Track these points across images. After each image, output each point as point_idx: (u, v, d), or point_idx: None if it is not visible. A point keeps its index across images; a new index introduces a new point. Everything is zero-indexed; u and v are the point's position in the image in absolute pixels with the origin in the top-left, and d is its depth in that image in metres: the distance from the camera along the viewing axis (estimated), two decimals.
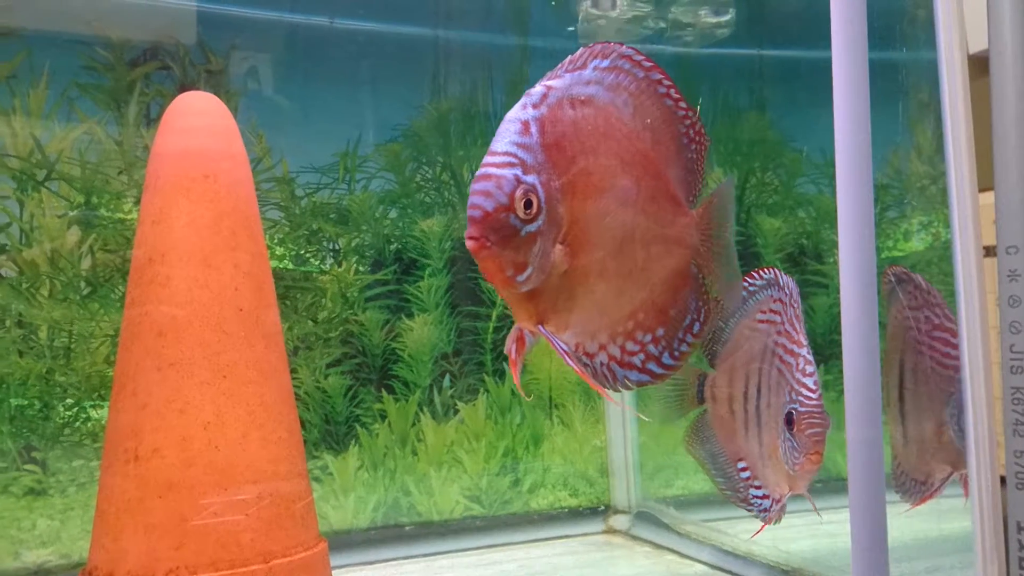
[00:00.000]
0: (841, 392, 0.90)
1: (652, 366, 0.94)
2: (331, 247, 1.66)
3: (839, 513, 0.95)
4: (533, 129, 0.83)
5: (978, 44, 1.02)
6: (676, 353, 0.95)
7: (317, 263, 1.64)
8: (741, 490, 1.15)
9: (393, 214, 1.70)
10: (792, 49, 1.93)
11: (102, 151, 1.49)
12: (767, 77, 1.95)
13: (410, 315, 1.69)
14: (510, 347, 0.89)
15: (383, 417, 1.65)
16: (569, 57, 0.90)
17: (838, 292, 0.90)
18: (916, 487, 1.22)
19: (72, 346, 1.44)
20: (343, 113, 1.69)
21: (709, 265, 0.99)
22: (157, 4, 1.56)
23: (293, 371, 1.52)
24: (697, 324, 0.97)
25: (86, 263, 1.46)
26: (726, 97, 1.93)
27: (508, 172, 0.81)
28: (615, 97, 0.90)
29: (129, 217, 1.49)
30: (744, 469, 1.14)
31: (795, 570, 1.34)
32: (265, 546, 1.01)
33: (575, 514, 1.76)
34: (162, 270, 1.03)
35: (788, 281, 1.11)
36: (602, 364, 0.92)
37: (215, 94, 1.13)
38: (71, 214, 1.46)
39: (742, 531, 1.52)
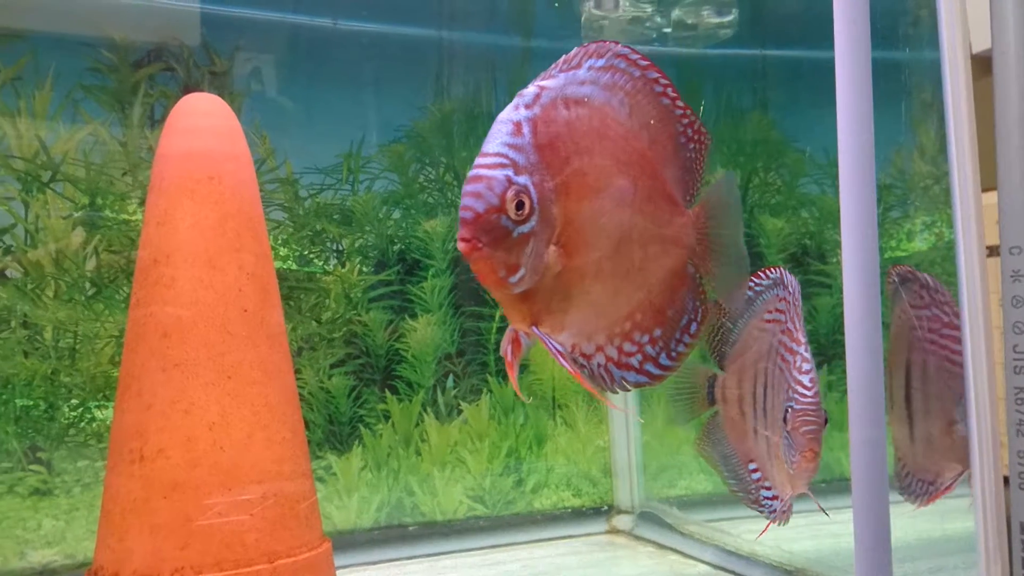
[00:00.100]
0: (845, 392, 0.89)
1: (650, 367, 0.93)
2: (335, 248, 1.66)
3: (842, 513, 0.95)
4: (525, 130, 0.83)
5: (982, 44, 1.02)
6: (673, 354, 0.95)
7: (321, 264, 1.64)
8: (752, 491, 1.14)
9: (396, 215, 1.70)
10: (795, 49, 1.93)
11: (106, 152, 1.49)
12: (770, 77, 1.95)
13: (413, 315, 1.69)
14: (505, 349, 0.89)
15: (387, 417, 1.66)
16: (563, 57, 0.89)
17: (841, 292, 0.90)
18: (922, 487, 1.21)
19: (77, 347, 1.45)
20: (346, 114, 1.70)
21: (706, 265, 0.98)
22: (161, 6, 1.57)
23: (297, 371, 1.52)
24: (694, 324, 0.97)
25: (91, 264, 1.47)
26: (729, 97, 1.93)
27: (499, 173, 0.80)
28: (611, 97, 0.90)
29: (133, 218, 1.49)
30: (755, 470, 1.14)
31: (798, 570, 1.34)
32: (270, 546, 1.01)
33: (578, 514, 1.76)
34: (167, 271, 1.04)
35: (791, 280, 1.11)
36: (599, 365, 0.91)
37: (219, 95, 1.14)
38: (76, 215, 1.47)
39: (745, 531, 1.52)
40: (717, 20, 1.77)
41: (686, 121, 0.95)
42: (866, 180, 0.89)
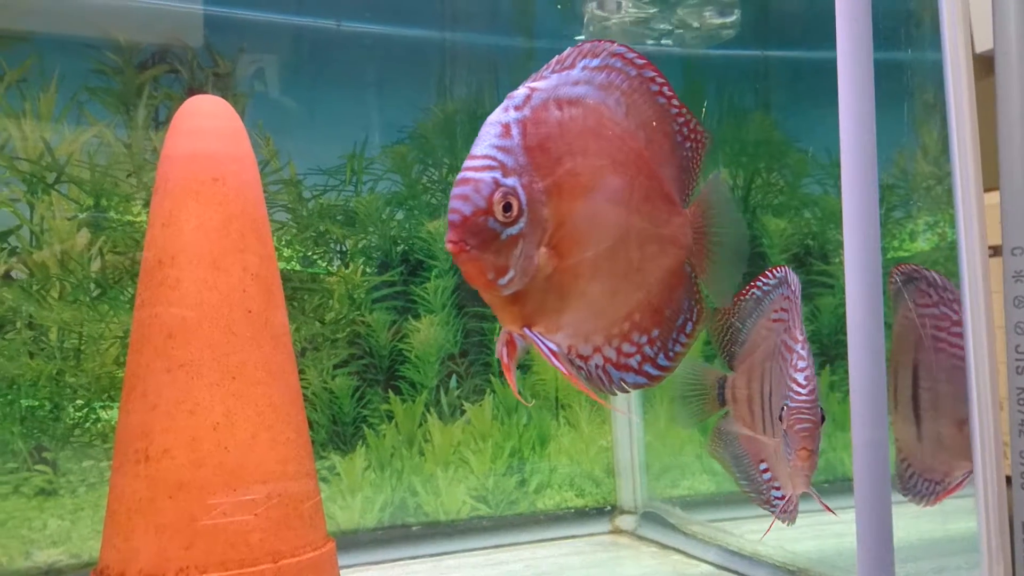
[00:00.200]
0: (848, 393, 0.89)
1: (649, 368, 0.93)
2: (338, 249, 1.66)
3: (845, 513, 0.95)
4: (514, 131, 0.82)
5: (985, 43, 1.02)
6: (671, 354, 0.94)
7: (324, 265, 1.65)
8: (764, 492, 1.14)
9: (400, 216, 1.70)
10: (797, 50, 1.93)
11: (111, 154, 1.50)
12: (772, 78, 1.96)
13: (417, 316, 1.69)
14: (501, 351, 0.88)
15: (390, 418, 1.66)
16: (556, 57, 0.88)
17: (844, 292, 0.90)
18: (929, 487, 1.21)
19: (82, 347, 1.45)
20: (350, 115, 1.70)
21: (702, 264, 0.98)
22: (165, 8, 1.57)
23: (301, 372, 1.52)
24: (690, 324, 0.96)
25: (95, 265, 1.48)
26: (731, 98, 1.93)
27: (486, 175, 0.80)
28: (606, 96, 0.89)
29: (138, 219, 1.50)
30: (766, 471, 1.14)
31: (801, 570, 1.34)
32: (274, 546, 1.02)
33: (581, 514, 1.76)
34: (172, 272, 1.04)
35: (794, 278, 1.11)
36: (597, 367, 0.90)
37: (223, 97, 1.14)
38: (81, 217, 1.47)
39: (748, 531, 1.52)
40: (719, 21, 1.77)
41: (682, 120, 0.95)
42: (868, 180, 0.89)
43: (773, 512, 1.12)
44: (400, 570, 1.52)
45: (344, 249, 1.67)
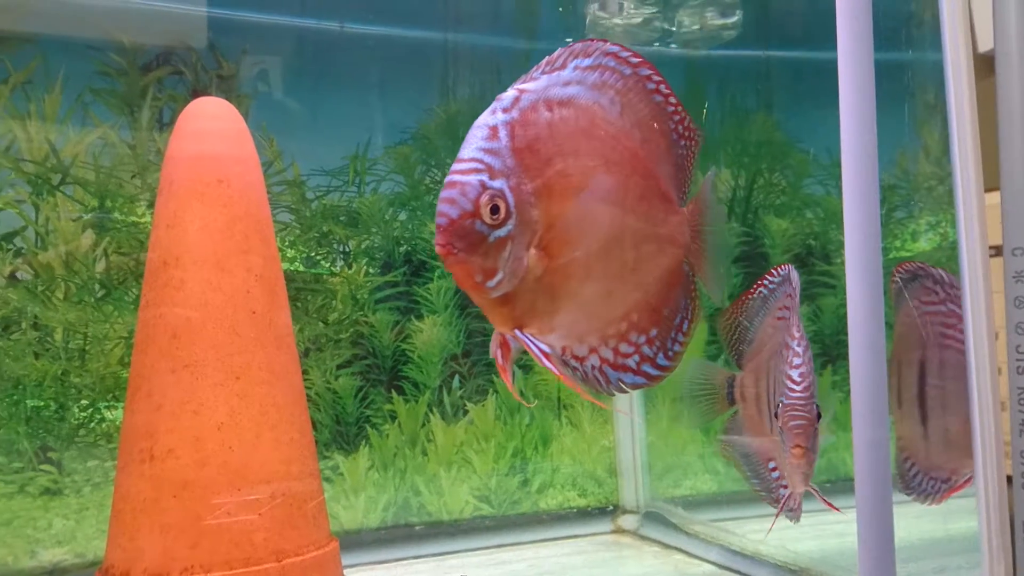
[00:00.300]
0: (849, 393, 0.90)
1: (648, 368, 0.93)
2: (341, 249, 1.67)
3: (846, 513, 0.95)
4: (502, 134, 0.82)
5: (988, 43, 1.02)
6: (670, 354, 0.94)
7: (328, 265, 1.65)
8: (773, 490, 1.13)
9: (403, 216, 1.71)
10: (799, 50, 1.93)
11: (116, 155, 1.51)
12: (774, 78, 1.96)
13: (420, 316, 1.70)
14: (495, 352, 0.88)
15: (393, 418, 1.67)
16: (546, 58, 0.88)
17: (845, 292, 0.90)
18: (934, 486, 1.20)
19: (87, 348, 1.46)
20: (353, 116, 1.71)
21: (700, 262, 0.98)
22: (168, 10, 1.58)
23: (304, 372, 1.53)
24: (687, 323, 0.96)
25: (100, 266, 1.48)
26: (733, 99, 1.93)
27: (473, 178, 0.80)
28: (599, 96, 0.89)
29: (142, 220, 1.51)
30: (774, 469, 1.14)
31: (802, 570, 1.34)
32: (278, 545, 1.02)
33: (584, 514, 1.77)
34: (176, 273, 1.05)
35: (795, 276, 1.12)
36: (593, 367, 0.90)
37: (226, 98, 1.15)
38: (85, 217, 1.48)
39: (750, 531, 1.52)
40: (721, 22, 1.77)
41: (677, 118, 0.94)
42: (869, 180, 0.89)
43: (784, 512, 1.12)
44: (403, 569, 1.52)
45: (347, 250, 1.67)
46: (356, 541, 1.57)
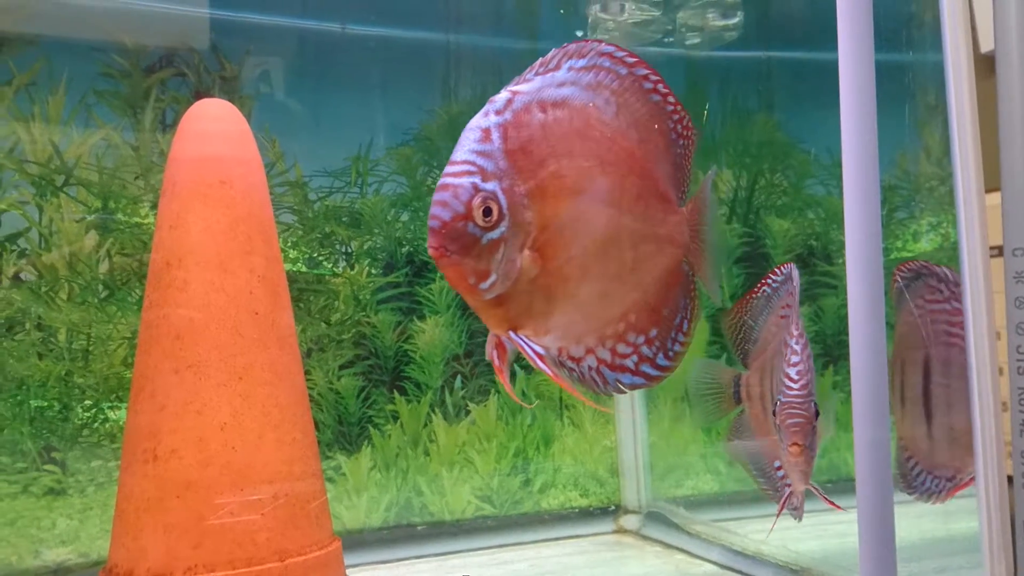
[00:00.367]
0: (850, 393, 0.90)
1: (647, 368, 0.92)
2: (343, 250, 1.67)
3: (848, 513, 0.96)
4: (494, 136, 0.82)
5: (991, 43, 1.02)
6: (670, 354, 0.94)
7: (330, 266, 1.66)
8: (779, 489, 1.13)
9: (405, 217, 1.71)
10: (800, 51, 1.93)
11: (119, 156, 1.51)
12: (775, 79, 1.96)
13: (422, 317, 1.70)
14: (491, 354, 0.88)
15: (395, 418, 1.67)
16: (540, 59, 0.88)
17: (847, 293, 0.90)
18: (939, 484, 1.20)
19: (90, 348, 1.47)
20: (355, 117, 1.71)
21: (700, 262, 0.97)
22: (171, 11, 1.58)
23: (307, 373, 1.53)
24: (687, 323, 0.96)
25: (103, 267, 1.49)
26: (735, 99, 1.94)
27: (465, 181, 0.80)
28: (594, 97, 0.88)
29: (145, 221, 1.51)
30: (779, 468, 1.13)
31: (804, 570, 1.34)
32: (280, 545, 1.03)
33: (586, 514, 1.77)
34: (179, 274, 1.05)
35: (795, 274, 1.12)
36: (590, 368, 0.90)
37: (229, 100, 1.15)
38: (89, 218, 1.49)
39: (752, 531, 1.53)
40: (722, 23, 1.78)
41: (676, 117, 0.94)
42: (870, 181, 0.89)
43: (788, 510, 1.12)
44: (405, 569, 1.53)
45: (349, 250, 1.68)
46: (358, 541, 1.58)
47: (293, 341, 1.12)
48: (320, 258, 1.66)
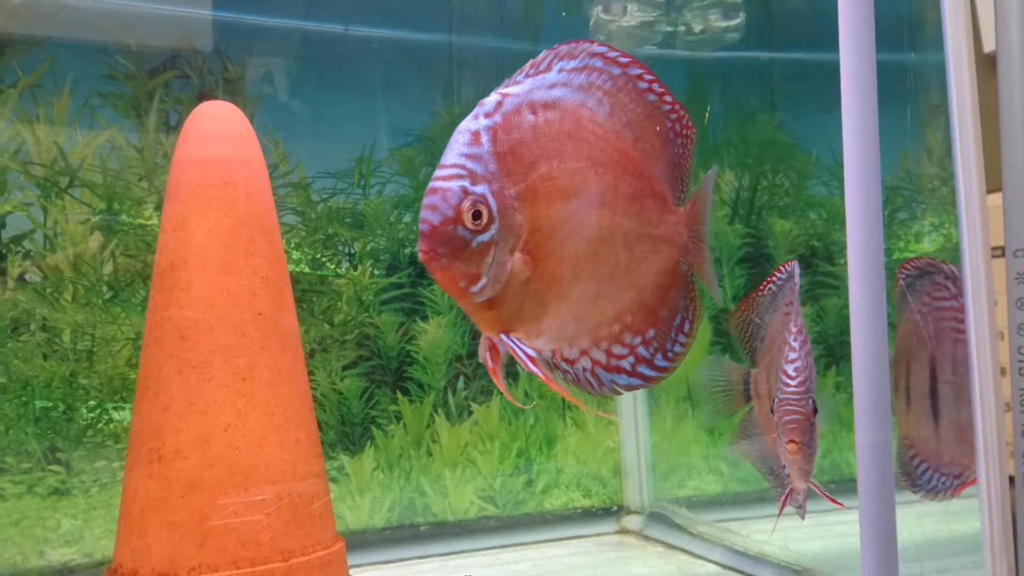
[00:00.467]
0: (852, 394, 0.90)
1: (644, 369, 0.92)
2: (347, 251, 1.68)
3: (849, 514, 0.96)
4: (484, 138, 0.82)
5: (994, 43, 1.02)
6: (670, 354, 0.93)
7: (333, 267, 1.66)
8: (786, 487, 1.13)
9: (407, 218, 1.72)
10: (802, 52, 1.93)
11: (123, 158, 1.52)
12: (777, 80, 1.96)
13: (424, 318, 1.71)
14: (484, 356, 0.87)
15: (398, 419, 1.67)
16: (531, 61, 0.87)
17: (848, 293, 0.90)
18: (947, 481, 1.20)
19: (95, 349, 1.47)
20: (358, 119, 1.71)
21: (699, 262, 0.96)
22: (175, 13, 1.59)
23: (310, 373, 1.54)
24: (688, 323, 0.95)
25: (108, 268, 1.49)
26: (737, 100, 1.94)
27: (454, 184, 0.80)
28: (586, 98, 0.88)
29: (150, 223, 1.52)
30: (784, 466, 1.13)
31: (806, 570, 1.34)
32: (284, 545, 1.03)
33: (588, 514, 1.77)
34: (183, 276, 1.06)
35: (797, 272, 1.12)
36: (584, 370, 0.89)
37: (232, 101, 1.16)
38: (93, 220, 1.49)
39: (754, 531, 1.53)
40: (724, 24, 1.78)
41: (674, 116, 0.93)
42: (871, 181, 0.89)
43: (792, 508, 1.12)
44: (408, 569, 1.53)
45: (352, 251, 1.68)
46: (362, 541, 1.58)
47: (297, 342, 1.13)
48: (323, 259, 1.66)
